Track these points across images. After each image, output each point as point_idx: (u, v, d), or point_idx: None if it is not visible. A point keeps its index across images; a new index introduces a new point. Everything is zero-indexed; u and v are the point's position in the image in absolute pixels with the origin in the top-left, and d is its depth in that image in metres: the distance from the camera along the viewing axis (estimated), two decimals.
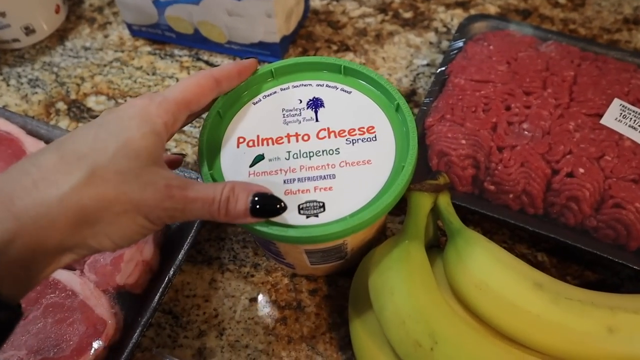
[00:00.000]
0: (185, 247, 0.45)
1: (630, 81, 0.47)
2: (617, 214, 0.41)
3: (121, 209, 0.29)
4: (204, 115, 0.38)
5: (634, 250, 0.42)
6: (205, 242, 0.49)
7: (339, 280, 0.45)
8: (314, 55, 0.60)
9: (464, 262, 0.37)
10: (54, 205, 0.27)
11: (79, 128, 0.30)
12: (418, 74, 0.58)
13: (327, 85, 0.40)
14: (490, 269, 0.36)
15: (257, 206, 0.31)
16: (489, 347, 0.34)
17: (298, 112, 0.39)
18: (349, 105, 0.39)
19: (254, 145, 0.37)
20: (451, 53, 0.53)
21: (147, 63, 0.62)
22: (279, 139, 0.38)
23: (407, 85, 0.56)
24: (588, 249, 0.41)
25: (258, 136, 0.38)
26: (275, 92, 0.40)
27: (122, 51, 0.63)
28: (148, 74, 0.61)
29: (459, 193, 0.46)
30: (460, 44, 0.53)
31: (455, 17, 0.62)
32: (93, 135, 0.29)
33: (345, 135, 0.37)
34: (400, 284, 0.35)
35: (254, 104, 0.39)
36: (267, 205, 0.32)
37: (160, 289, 0.43)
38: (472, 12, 0.62)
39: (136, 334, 0.41)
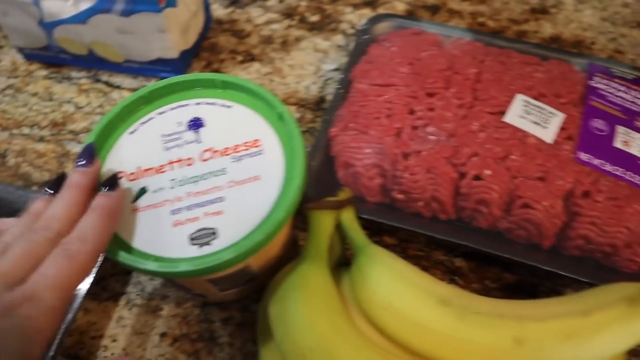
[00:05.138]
0: (88, 285, 0.42)
1: (533, 75, 0.46)
2: (526, 214, 0.40)
3: None
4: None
5: (548, 249, 0.41)
6: (110, 277, 0.45)
7: (252, 306, 0.43)
8: (218, 68, 0.57)
9: (368, 282, 0.35)
10: None
11: None
12: (327, 80, 0.55)
13: (205, 103, 0.38)
14: (394, 289, 0.34)
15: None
16: None
17: (178, 136, 0.36)
18: (231, 121, 0.37)
19: (135, 179, 0.35)
20: (354, 57, 0.51)
21: (43, 88, 0.58)
22: (160, 167, 0.35)
23: (316, 93, 0.54)
24: (499, 253, 0.40)
25: (139, 168, 0.35)
26: (152, 118, 0.37)
27: (16, 77, 0.59)
28: (44, 100, 0.57)
29: (370, 204, 0.44)
30: (364, 46, 0.51)
31: (363, 17, 0.60)
32: None
33: (230, 153, 0.35)
34: (297, 313, 0.33)
35: (130, 133, 0.37)
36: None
37: (60, 334, 0.40)
38: (381, 10, 0.60)
39: None
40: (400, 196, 0.43)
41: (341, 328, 0.33)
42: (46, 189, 0.33)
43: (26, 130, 0.55)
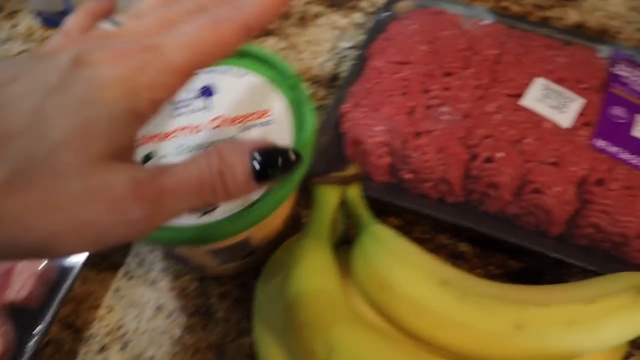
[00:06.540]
0: (86, 254, 0.42)
1: (554, 59, 0.44)
2: (536, 199, 0.39)
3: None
4: None
5: (556, 236, 0.40)
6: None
7: (250, 282, 0.42)
8: None
9: (368, 259, 0.34)
10: None
11: (20, 77, 0.19)
12: (342, 57, 0.54)
13: (218, 71, 0.37)
14: (394, 267, 0.34)
15: (262, 167, 0.22)
16: (390, 353, 0.31)
17: (188, 103, 0.36)
18: (243, 89, 0.36)
19: (140, 145, 0.34)
20: (373, 34, 0.50)
21: None
22: (167, 135, 0.35)
23: (330, 70, 0.53)
24: (506, 238, 0.39)
25: (145, 135, 0.35)
26: None
27: (32, 42, 0.59)
28: None
29: (377, 183, 0.43)
30: (383, 24, 0.50)
31: None
32: (37, 104, 0.18)
33: (240, 122, 0.34)
34: (295, 289, 0.33)
35: None
36: (275, 162, 0.23)
37: (55, 302, 0.40)
38: None
39: (27, 354, 0.38)
40: (408, 176, 0.41)
41: (337, 306, 0.33)
42: None
43: None
